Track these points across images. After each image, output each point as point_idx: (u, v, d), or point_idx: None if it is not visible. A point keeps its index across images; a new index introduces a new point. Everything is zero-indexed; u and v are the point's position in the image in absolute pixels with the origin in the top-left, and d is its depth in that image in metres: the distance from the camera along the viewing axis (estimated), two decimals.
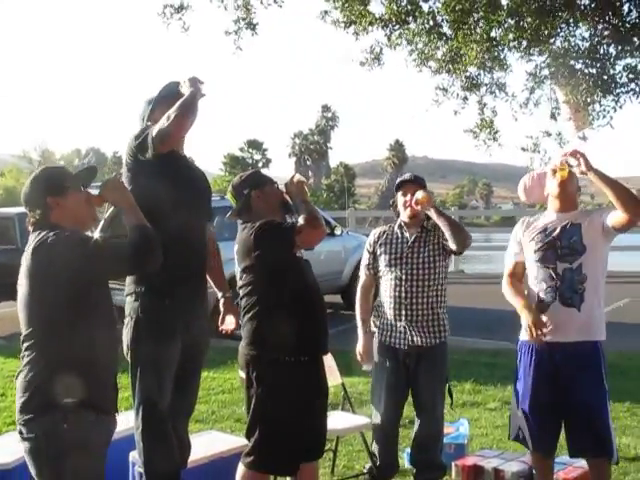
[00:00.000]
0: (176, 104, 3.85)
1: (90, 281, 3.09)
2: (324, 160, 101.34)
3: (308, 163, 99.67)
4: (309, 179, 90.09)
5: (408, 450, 5.02)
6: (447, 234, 4.55)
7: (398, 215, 4.85)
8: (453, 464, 5.08)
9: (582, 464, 4.64)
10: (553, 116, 10.84)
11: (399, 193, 4.83)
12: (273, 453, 3.93)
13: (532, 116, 10.93)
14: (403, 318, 4.66)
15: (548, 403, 4.17)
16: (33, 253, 3.08)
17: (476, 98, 11.06)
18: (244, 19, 10.69)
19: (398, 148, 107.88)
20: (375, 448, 4.86)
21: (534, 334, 4.06)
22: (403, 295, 4.66)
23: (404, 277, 4.67)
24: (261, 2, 10.52)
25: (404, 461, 5.00)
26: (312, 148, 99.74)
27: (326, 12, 10.84)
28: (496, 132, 11.02)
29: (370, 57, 10.99)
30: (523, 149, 10.94)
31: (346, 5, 10.45)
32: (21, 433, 3.14)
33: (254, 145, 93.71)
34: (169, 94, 4.00)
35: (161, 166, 3.88)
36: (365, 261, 4.89)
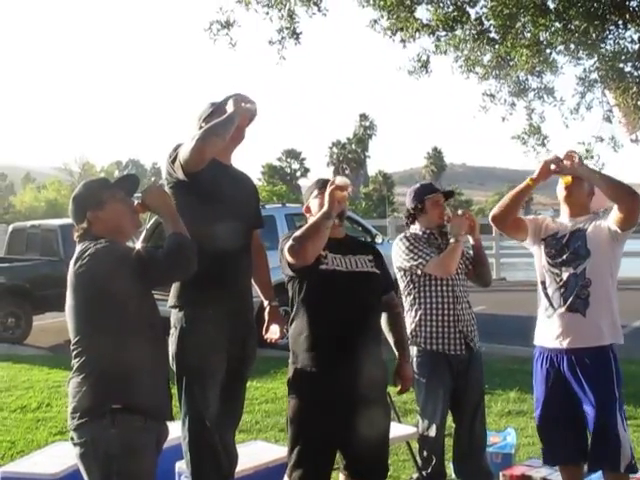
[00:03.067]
0: (206, 126, 3.87)
1: (128, 289, 3.14)
2: (362, 169, 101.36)
3: (346, 172, 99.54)
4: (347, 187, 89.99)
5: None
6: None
7: (414, 219, 4.85)
8: (501, 474, 5.03)
9: None
10: (608, 119, 10.70)
11: (430, 200, 4.78)
12: None
13: (583, 122, 10.80)
14: (458, 323, 4.63)
15: (559, 412, 4.14)
16: (74, 264, 3.18)
17: (524, 104, 10.97)
18: (288, 28, 10.73)
19: (436, 156, 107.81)
20: (423, 458, 4.79)
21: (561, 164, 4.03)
22: (456, 300, 4.65)
23: (453, 282, 4.66)
24: (306, 11, 10.57)
25: (451, 471, 4.95)
26: (350, 157, 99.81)
27: (376, 21, 10.84)
28: (545, 138, 10.92)
29: (417, 65, 10.97)
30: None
31: (392, 13, 10.43)
32: (72, 439, 3.22)
33: (292, 154, 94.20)
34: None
35: (199, 179, 3.87)
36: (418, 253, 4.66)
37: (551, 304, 4.14)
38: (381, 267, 4.07)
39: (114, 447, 3.10)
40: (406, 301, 4.77)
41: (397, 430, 5.01)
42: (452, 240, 4.58)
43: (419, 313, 4.68)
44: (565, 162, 4.06)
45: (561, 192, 4.22)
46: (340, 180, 3.78)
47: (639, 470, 4.23)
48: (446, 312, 4.64)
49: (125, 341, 3.15)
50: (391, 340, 4.18)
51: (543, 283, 4.20)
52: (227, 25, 10.66)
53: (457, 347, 4.63)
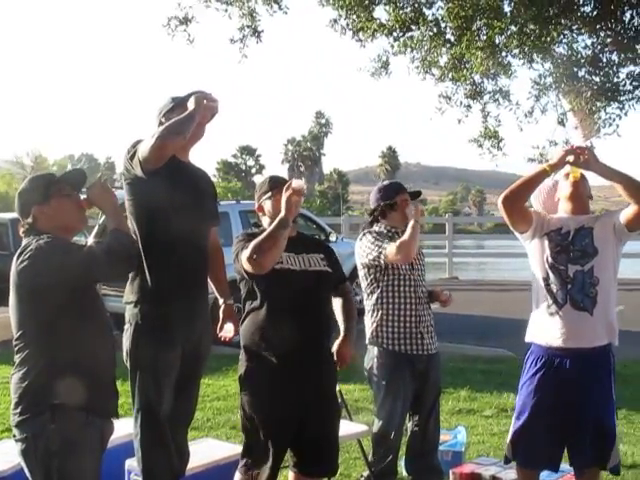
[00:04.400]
0: (167, 123, 3.84)
1: (70, 284, 3.12)
2: (317, 166, 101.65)
3: (301, 169, 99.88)
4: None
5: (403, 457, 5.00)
6: None
7: (383, 217, 4.80)
8: (450, 472, 5.06)
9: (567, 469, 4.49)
10: (561, 122, 10.84)
11: (402, 198, 4.76)
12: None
13: (537, 125, 10.94)
14: (419, 324, 4.65)
15: (551, 416, 4.02)
16: (17, 259, 3.17)
17: (479, 106, 11.09)
18: (249, 26, 10.72)
19: (391, 155, 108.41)
20: (377, 456, 4.80)
21: (579, 157, 3.90)
22: (418, 300, 4.66)
23: (416, 282, 4.68)
24: (267, 10, 10.58)
25: (401, 469, 4.97)
26: (305, 154, 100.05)
27: (335, 20, 10.87)
28: (500, 141, 11.03)
29: (377, 66, 11.02)
30: (530, 159, 10.94)
31: (350, 12, 10.48)
32: (14, 435, 3.21)
33: (247, 151, 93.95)
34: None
35: (157, 176, 3.83)
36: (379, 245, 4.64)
37: (555, 301, 4.03)
38: (333, 264, 4.11)
39: (54, 443, 3.09)
40: (368, 301, 4.76)
41: (348, 428, 5.02)
42: (411, 222, 4.56)
43: (381, 313, 4.68)
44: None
45: (567, 188, 4.11)
46: (297, 184, 3.75)
47: (620, 472, 4.25)
48: (408, 312, 4.65)
49: (67, 336, 3.14)
50: (340, 319, 4.20)
51: (545, 279, 4.07)
52: (185, 21, 10.63)
53: (419, 347, 4.64)
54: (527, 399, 4.09)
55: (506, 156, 11.23)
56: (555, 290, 4.04)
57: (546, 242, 4.09)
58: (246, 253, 3.74)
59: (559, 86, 10.26)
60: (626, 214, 3.98)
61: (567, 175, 4.10)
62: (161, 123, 3.99)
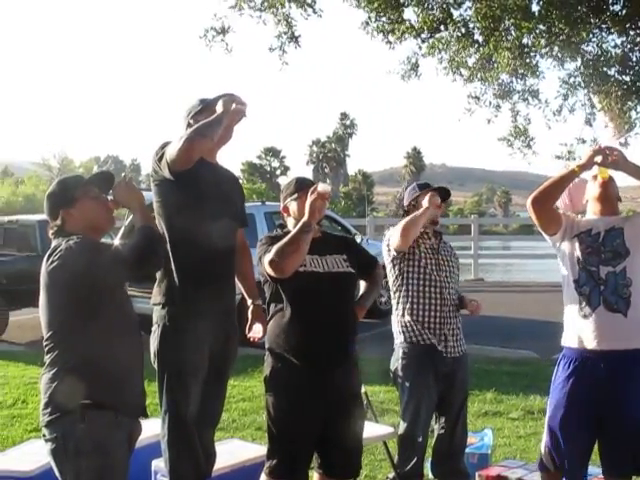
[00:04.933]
0: (195, 126, 3.86)
1: (99, 285, 3.15)
2: (342, 168, 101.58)
3: (326, 171, 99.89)
4: None
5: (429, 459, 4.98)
6: None
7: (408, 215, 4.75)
8: (477, 474, 5.04)
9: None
10: (588, 122, 10.78)
11: (422, 195, 4.72)
12: None
13: (566, 123, 10.89)
14: (444, 326, 4.62)
15: (583, 419, 3.96)
16: (47, 259, 3.20)
17: (509, 106, 11.03)
18: (286, 33, 10.75)
19: (416, 156, 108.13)
20: (402, 458, 4.78)
21: (607, 157, 3.88)
22: (443, 302, 4.62)
23: (444, 284, 4.64)
24: (301, 14, 10.60)
25: (428, 471, 4.96)
26: (330, 156, 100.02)
27: (367, 23, 10.86)
28: (531, 139, 10.98)
29: (407, 68, 11.00)
30: (557, 157, 10.89)
31: (380, 14, 10.47)
32: (44, 435, 3.23)
33: (272, 152, 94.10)
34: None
35: (185, 177, 3.86)
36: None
37: (588, 302, 3.96)
38: (358, 254, 4.18)
39: (84, 443, 3.11)
40: (394, 300, 4.76)
41: (374, 430, 5.01)
42: (421, 209, 4.56)
43: (405, 308, 4.66)
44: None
45: (595, 189, 4.09)
46: (322, 188, 3.73)
47: None
48: (433, 313, 4.61)
49: (96, 336, 3.17)
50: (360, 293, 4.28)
51: (577, 281, 4.01)
52: (222, 31, 10.68)
53: (442, 348, 4.62)
54: (560, 402, 4.02)
55: (536, 155, 11.19)
56: (587, 292, 3.97)
57: (577, 244, 4.04)
58: (268, 257, 3.75)
59: (588, 85, 10.20)
60: None
61: (595, 177, 4.07)
62: (189, 124, 4.02)
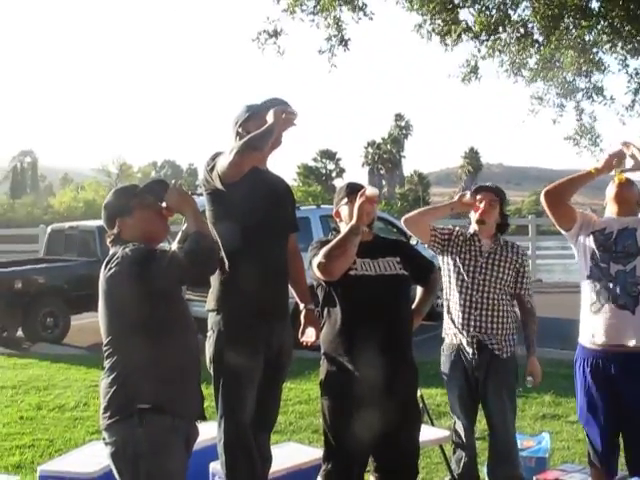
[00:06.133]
0: (245, 138, 3.88)
1: (155, 290, 3.20)
2: (398, 169, 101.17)
3: (382, 172, 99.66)
4: (382, 188, 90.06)
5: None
6: None
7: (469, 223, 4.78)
8: (534, 478, 4.97)
9: None
10: None
11: (475, 197, 4.72)
12: None
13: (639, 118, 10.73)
14: (471, 329, 4.56)
15: (603, 415, 4.08)
16: (105, 266, 3.28)
17: (573, 104, 10.91)
18: (336, 36, 10.79)
19: (473, 156, 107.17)
20: (455, 459, 4.77)
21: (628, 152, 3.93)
22: (473, 305, 4.56)
23: (478, 287, 4.57)
24: (352, 17, 10.62)
25: (484, 474, 4.94)
26: (385, 157, 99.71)
27: (421, 25, 10.83)
28: (597, 137, 10.84)
29: (467, 71, 10.95)
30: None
31: (435, 17, 10.43)
32: (104, 438, 3.30)
33: (327, 155, 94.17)
34: (269, 110, 3.95)
35: (236, 186, 3.90)
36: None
37: (598, 299, 4.07)
38: (414, 258, 4.16)
39: (142, 446, 3.17)
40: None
41: (430, 433, 5.01)
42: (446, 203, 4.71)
43: (445, 310, 4.71)
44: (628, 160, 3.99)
45: (612, 190, 4.17)
46: (370, 191, 3.76)
47: None
48: (460, 315, 4.58)
49: (154, 341, 3.22)
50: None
51: (589, 277, 4.13)
52: (275, 34, 10.76)
53: (470, 352, 4.57)
54: (582, 402, 4.20)
55: (604, 152, 11.04)
56: (598, 288, 4.08)
57: (591, 241, 4.15)
58: (316, 260, 3.78)
59: None
60: None
61: (614, 180, 4.14)
62: (238, 133, 4.06)
